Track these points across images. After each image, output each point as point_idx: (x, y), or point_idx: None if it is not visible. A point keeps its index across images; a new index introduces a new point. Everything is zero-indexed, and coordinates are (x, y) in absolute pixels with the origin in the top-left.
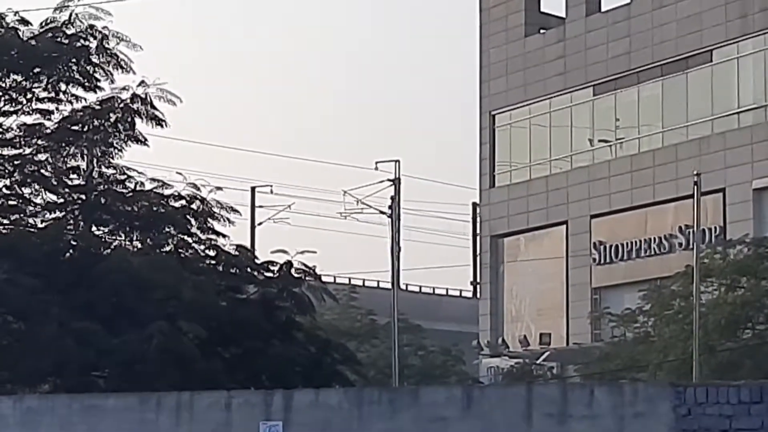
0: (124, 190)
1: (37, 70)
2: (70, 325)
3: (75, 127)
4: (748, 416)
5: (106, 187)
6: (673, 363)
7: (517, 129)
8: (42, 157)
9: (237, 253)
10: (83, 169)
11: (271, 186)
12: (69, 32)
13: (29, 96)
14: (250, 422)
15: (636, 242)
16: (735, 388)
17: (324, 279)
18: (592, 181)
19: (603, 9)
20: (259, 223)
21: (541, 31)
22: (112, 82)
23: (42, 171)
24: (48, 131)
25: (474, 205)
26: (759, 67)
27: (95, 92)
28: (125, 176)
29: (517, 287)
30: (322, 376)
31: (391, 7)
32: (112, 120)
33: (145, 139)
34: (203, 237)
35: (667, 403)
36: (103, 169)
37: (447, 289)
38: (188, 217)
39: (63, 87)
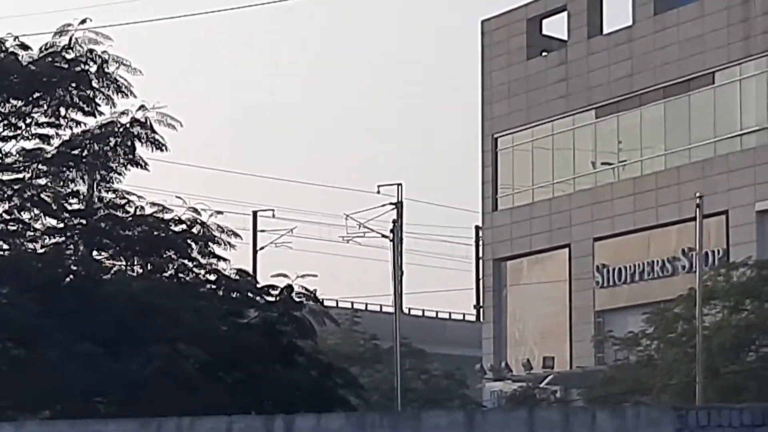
0: (125, 215)
1: (36, 95)
2: (72, 350)
3: (75, 152)
4: None
5: (106, 211)
6: (676, 386)
7: (520, 152)
8: (42, 181)
9: (238, 277)
10: (83, 193)
11: (273, 210)
12: (69, 57)
13: (29, 121)
14: None
15: (639, 265)
16: (737, 411)
17: (326, 303)
18: (594, 204)
19: (605, 31)
20: (261, 248)
21: (543, 53)
22: (113, 106)
23: (42, 196)
24: (48, 156)
25: (477, 228)
26: (762, 89)
27: (95, 117)
28: (125, 201)
29: (520, 311)
30: (324, 400)
31: (393, 30)
32: (111, 144)
33: (145, 164)
34: (204, 261)
35: (669, 427)
36: (103, 194)
37: (450, 313)
38: (189, 241)
39: (63, 112)
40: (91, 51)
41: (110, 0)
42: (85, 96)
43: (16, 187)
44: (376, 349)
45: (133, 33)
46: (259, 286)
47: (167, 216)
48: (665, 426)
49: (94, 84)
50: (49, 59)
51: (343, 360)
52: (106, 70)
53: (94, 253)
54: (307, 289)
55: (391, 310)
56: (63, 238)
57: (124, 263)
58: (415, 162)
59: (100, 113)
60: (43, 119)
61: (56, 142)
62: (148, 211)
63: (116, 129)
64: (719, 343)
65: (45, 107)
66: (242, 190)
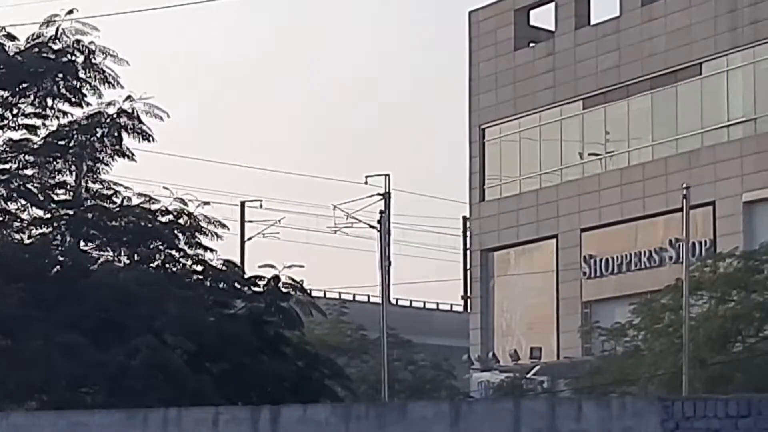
0: (112, 205)
1: (23, 85)
2: (57, 340)
3: (61, 143)
4: (735, 430)
5: (93, 202)
6: (663, 377)
7: (507, 143)
8: (28, 172)
9: (224, 267)
10: (70, 184)
11: (261, 201)
12: (55, 47)
13: (15, 111)
14: None
15: (626, 256)
16: (722, 402)
17: (314, 293)
18: (582, 195)
19: (592, 22)
20: (249, 238)
21: (531, 44)
22: (100, 97)
23: (29, 186)
24: (34, 146)
25: (464, 219)
26: (748, 80)
27: (82, 107)
28: (112, 191)
29: (508, 301)
30: (311, 391)
31: (380, 21)
32: (98, 135)
33: (132, 154)
34: (191, 252)
35: (654, 417)
36: (90, 185)
37: (437, 304)
38: (176, 232)
39: (50, 102)
40: (77, 42)
41: None
42: (72, 87)
43: (2, 177)
44: (363, 340)
45: (120, 23)
46: (246, 276)
47: (154, 207)
48: (650, 417)
49: (81, 75)
50: (36, 50)
51: (330, 351)
52: (92, 60)
53: (81, 243)
54: (294, 280)
55: (379, 300)
56: (50, 229)
57: (111, 254)
58: (402, 153)
59: (87, 104)
60: (29, 110)
61: (43, 132)
62: (135, 201)
63: (103, 120)
64: (706, 333)
65: (31, 98)
66: (230, 181)
